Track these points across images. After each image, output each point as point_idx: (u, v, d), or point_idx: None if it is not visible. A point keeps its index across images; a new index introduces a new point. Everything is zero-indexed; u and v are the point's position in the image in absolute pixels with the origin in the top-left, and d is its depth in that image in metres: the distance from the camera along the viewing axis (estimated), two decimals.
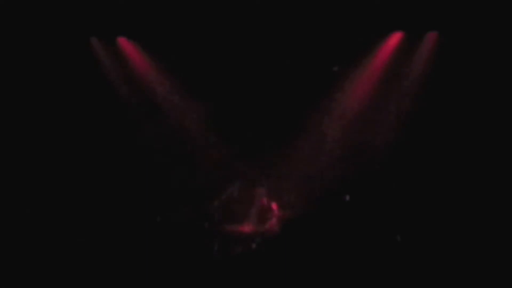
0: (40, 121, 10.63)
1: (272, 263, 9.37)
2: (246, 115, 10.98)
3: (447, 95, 10.45)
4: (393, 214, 10.26)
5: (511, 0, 9.84)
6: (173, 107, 11.05)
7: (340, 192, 10.55)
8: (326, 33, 10.39)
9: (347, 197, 10.49)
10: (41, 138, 10.62)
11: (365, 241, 9.80)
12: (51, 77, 10.59)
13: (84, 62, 10.64)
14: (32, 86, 10.57)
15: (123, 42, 10.87)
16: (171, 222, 10.41)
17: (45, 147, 10.63)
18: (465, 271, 9.25)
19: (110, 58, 10.84)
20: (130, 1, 10.09)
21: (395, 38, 10.62)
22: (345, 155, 10.83)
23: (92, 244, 10.05)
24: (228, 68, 10.83)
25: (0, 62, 10.40)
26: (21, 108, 10.58)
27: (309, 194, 10.58)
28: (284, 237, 9.97)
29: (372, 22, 10.17)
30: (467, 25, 10.12)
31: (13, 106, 10.55)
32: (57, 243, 10.04)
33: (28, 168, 10.54)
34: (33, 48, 10.43)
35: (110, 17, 10.26)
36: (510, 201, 9.99)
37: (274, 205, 10.55)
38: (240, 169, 10.91)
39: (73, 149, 10.70)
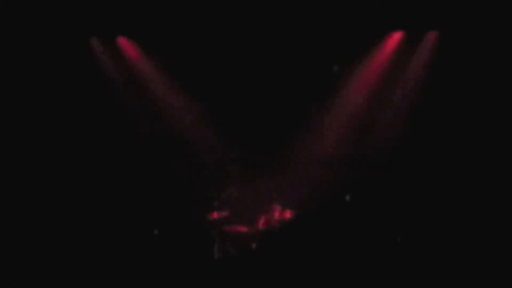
0: (39, 121, 10.63)
1: (272, 263, 9.36)
2: (246, 115, 10.98)
3: (447, 95, 10.45)
4: (393, 214, 10.25)
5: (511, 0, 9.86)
6: (173, 107, 11.06)
7: (341, 192, 10.54)
8: (326, 33, 10.39)
9: (347, 197, 10.47)
10: (40, 138, 10.62)
11: (365, 241, 9.78)
12: (51, 77, 10.59)
13: (84, 62, 10.65)
14: (31, 86, 10.57)
15: (123, 42, 10.88)
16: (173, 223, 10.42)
17: (44, 147, 10.63)
18: (465, 271, 9.24)
19: (110, 58, 10.84)
20: (130, 1, 10.09)
21: (395, 38, 10.63)
22: (346, 155, 10.84)
23: (92, 244, 10.06)
24: (228, 68, 10.83)
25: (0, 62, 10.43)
26: (21, 108, 10.58)
27: (309, 194, 10.57)
28: (284, 237, 9.96)
29: (372, 22, 10.17)
30: (467, 25, 10.12)
31: (13, 106, 10.55)
32: (56, 243, 10.06)
33: (27, 168, 10.53)
34: (32, 48, 10.43)
35: (110, 17, 10.26)
36: (510, 201, 9.99)
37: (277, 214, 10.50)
38: (240, 169, 10.91)
39: (72, 149, 10.70)
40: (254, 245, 10.08)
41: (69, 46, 10.49)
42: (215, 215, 10.25)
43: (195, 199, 10.67)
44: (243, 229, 10.28)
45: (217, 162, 10.99)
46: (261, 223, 10.35)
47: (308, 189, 10.67)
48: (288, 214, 10.36)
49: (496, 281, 8.99)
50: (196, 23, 10.42)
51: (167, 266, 9.53)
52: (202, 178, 10.92)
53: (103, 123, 10.85)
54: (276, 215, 10.36)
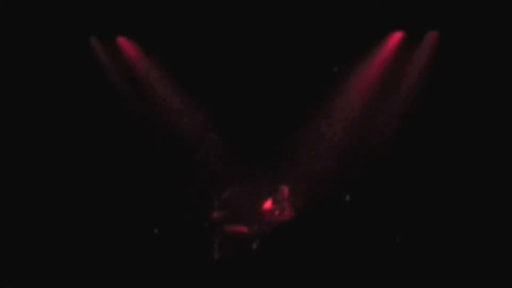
0: (39, 120, 10.63)
1: (272, 263, 9.35)
2: (247, 114, 10.99)
3: (447, 95, 10.45)
4: (393, 214, 10.26)
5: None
6: (173, 107, 11.06)
7: (340, 192, 10.54)
8: (326, 33, 10.39)
9: (347, 197, 10.47)
10: (40, 138, 10.62)
11: (365, 241, 9.79)
12: (51, 77, 10.59)
13: (83, 62, 10.65)
14: (31, 85, 10.57)
15: (123, 42, 10.89)
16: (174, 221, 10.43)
17: (44, 146, 10.63)
18: (465, 271, 9.24)
19: (109, 58, 10.85)
20: (130, 1, 10.09)
21: (395, 38, 10.63)
22: (346, 156, 10.84)
23: (92, 244, 10.06)
24: (228, 68, 10.84)
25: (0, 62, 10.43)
26: (21, 108, 10.59)
27: (309, 194, 10.57)
28: (284, 237, 9.96)
29: (372, 22, 10.18)
30: (467, 25, 10.12)
31: (13, 106, 10.55)
32: (56, 243, 10.06)
33: (27, 167, 10.53)
34: (32, 48, 10.43)
35: (110, 17, 10.26)
36: (510, 201, 9.99)
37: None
38: (240, 169, 10.91)
39: (72, 148, 10.70)
40: (254, 245, 10.08)
41: (69, 46, 10.49)
42: (215, 215, 10.25)
43: (195, 199, 10.68)
44: (243, 229, 10.28)
45: (218, 162, 11.00)
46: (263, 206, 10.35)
47: (308, 189, 10.67)
48: (288, 214, 10.37)
49: (496, 281, 8.99)
50: (196, 23, 10.42)
51: (167, 266, 9.52)
52: (203, 177, 10.93)
53: (103, 123, 10.86)
54: (276, 213, 10.38)
